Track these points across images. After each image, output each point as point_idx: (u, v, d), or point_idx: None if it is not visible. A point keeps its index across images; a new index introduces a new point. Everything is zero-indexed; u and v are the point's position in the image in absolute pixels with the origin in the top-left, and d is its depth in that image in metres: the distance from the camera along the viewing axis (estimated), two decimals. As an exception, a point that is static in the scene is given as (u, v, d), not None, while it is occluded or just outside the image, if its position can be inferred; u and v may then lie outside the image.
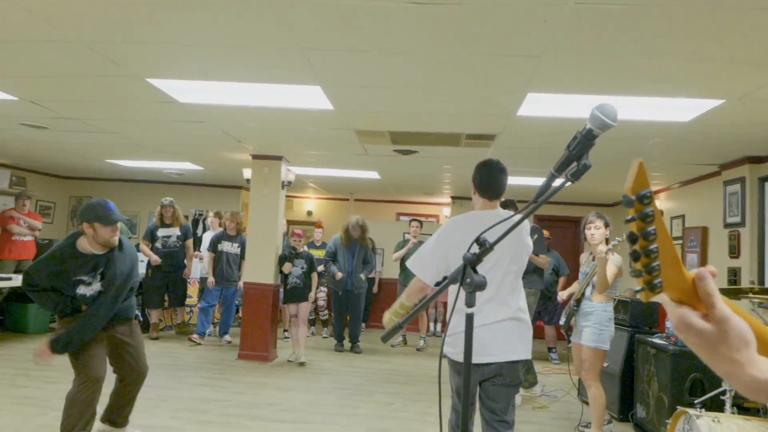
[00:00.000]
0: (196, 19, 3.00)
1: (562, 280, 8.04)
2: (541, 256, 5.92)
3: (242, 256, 7.72)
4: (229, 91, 4.30)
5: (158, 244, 7.94)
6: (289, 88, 4.16)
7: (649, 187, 0.76)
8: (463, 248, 1.40)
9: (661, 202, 8.12)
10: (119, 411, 3.80)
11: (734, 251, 5.87)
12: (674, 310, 0.78)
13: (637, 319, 5.20)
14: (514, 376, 2.70)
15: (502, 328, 2.68)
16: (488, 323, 2.66)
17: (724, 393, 3.53)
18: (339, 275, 7.75)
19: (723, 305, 0.75)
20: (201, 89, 4.30)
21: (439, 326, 9.75)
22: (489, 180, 2.87)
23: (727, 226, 6.04)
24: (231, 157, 7.45)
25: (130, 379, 3.73)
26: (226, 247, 7.80)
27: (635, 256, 0.78)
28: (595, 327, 4.25)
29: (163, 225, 8.01)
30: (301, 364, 6.91)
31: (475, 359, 2.58)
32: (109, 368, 3.62)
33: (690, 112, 4.25)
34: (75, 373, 3.44)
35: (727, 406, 3.45)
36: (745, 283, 5.54)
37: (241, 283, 7.62)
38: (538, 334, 9.10)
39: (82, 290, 3.44)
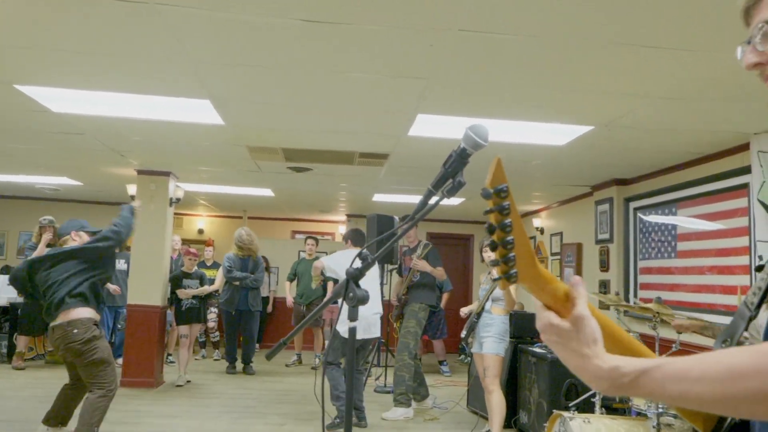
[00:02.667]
0: (74, 23, 2.83)
1: (445, 296, 8.28)
2: (438, 268, 6.13)
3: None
4: (112, 101, 4.08)
5: None
6: (177, 101, 4.02)
7: (506, 183, 0.83)
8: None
9: (542, 221, 8.66)
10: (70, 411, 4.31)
11: (604, 265, 6.37)
12: (542, 314, 0.86)
13: (521, 330, 5.49)
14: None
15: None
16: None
17: (594, 396, 3.80)
18: (251, 276, 7.59)
19: (584, 306, 0.84)
20: (79, 98, 4.04)
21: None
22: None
23: (598, 242, 6.55)
24: (114, 172, 7.03)
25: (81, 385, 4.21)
26: (120, 264, 7.31)
27: (493, 246, 0.84)
28: (496, 337, 4.65)
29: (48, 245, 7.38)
30: (188, 382, 6.76)
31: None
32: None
33: (565, 137, 4.59)
34: (98, 384, 3.97)
35: (597, 407, 3.72)
36: (612, 294, 6.02)
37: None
38: (427, 348, 9.34)
39: None
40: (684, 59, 2.96)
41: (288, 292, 8.49)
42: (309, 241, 8.56)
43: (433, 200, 1.17)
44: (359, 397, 5.41)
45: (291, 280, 8.52)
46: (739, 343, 0.95)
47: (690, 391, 0.73)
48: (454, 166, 1.15)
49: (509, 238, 0.83)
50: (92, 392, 3.98)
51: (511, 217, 0.83)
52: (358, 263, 1.28)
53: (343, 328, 5.14)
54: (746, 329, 1.09)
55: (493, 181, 0.83)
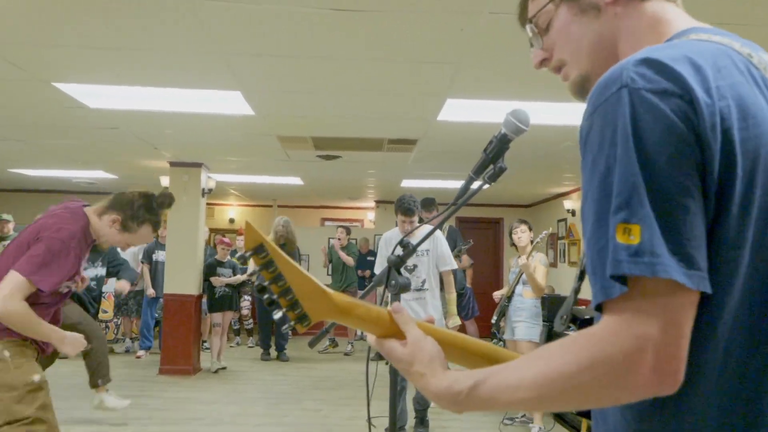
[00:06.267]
0: (108, 21, 2.88)
1: (469, 273, 8.13)
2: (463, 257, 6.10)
3: None
4: (145, 96, 4.15)
5: None
6: (207, 93, 4.07)
7: (261, 241, 0.84)
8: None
9: (573, 203, 8.55)
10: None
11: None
12: (381, 346, 0.89)
13: (554, 313, 5.45)
14: None
15: None
16: None
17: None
18: None
19: (414, 331, 0.87)
20: (114, 94, 4.12)
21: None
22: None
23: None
24: (147, 164, 7.17)
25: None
26: (161, 256, 7.49)
27: (270, 303, 0.86)
28: (528, 321, 4.64)
29: None
30: (223, 368, 6.93)
31: None
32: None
33: (597, 117, 4.50)
34: (91, 335, 4.05)
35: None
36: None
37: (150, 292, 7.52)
38: (461, 331, 9.32)
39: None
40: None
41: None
42: (339, 230, 8.54)
43: (475, 186, 1.17)
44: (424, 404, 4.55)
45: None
46: (573, 316, 0.95)
47: (514, 397, 0.74)
48: (495, 151, 1.15)
49: (285, 288, 0.85)
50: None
51: (279, 269, 0.85)
52: (399, 250, 1.29)
53: None
54: (575, 303, 1.09)
55: (248, 244, 0.85)
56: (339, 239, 8.42)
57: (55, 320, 2.50)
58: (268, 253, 0.85)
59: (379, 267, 4.43)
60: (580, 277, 1.00)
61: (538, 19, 0.91)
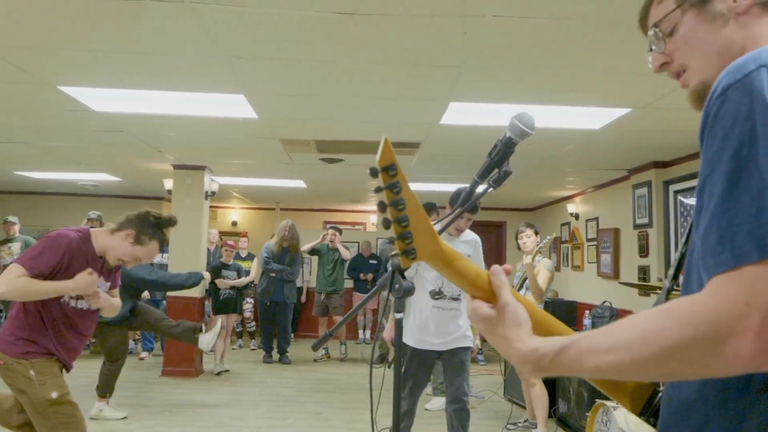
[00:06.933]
0: (113, 26, 2.89)
1: None
2: None
3: None
4: (149, 99, 4.16)
5: None
6: (211, 96, 4.08)
7: (394, 161, 0.84)
8: None
9: (576, 206, 8.53)
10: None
11: (643, 251, 6.25)
12: (471, 304, 0.92)
13: (557, 317, 5.43)
14: None
15: None
16: None
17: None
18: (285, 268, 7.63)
19: (508, 295, 0.89)
20: (118, 97, 4.13)
21: (368, 333, 9.76)
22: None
23: (636, 227, 6.43)
24: (151, 167, 7.18)
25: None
26: (165, 258, 7.49)
27: (386, 224, 0.85)
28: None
29: None
30: (226, 371, 6.91)
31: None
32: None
33: (600, 120, 4.50)
34: (123, 354, 5.01)
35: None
36: (653, 280, 5.91)
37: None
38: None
39: None
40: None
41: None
42: (331, 231, 8.30)
43: (480, 189, 1.17)
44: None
45: (310, 253, 8.36)
46: None
47: (603, 361, 0.74)
48: (500, 155, 1.14)
49: (403, 215, 0.83)
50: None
51: (403, 194, 0.84)
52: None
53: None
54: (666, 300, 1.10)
55: (381, 159, 0.84)
56: (331, 241, 8.26)
57: (81, 335, 2.91)
58: (397, 173, 0.84)
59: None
60: (674, 276, 1.01)
61: (662, 24, 0.94)
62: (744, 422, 0.73)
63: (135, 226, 2.83)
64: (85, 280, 2.70)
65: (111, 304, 2.90)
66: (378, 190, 0.86)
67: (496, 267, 0.91)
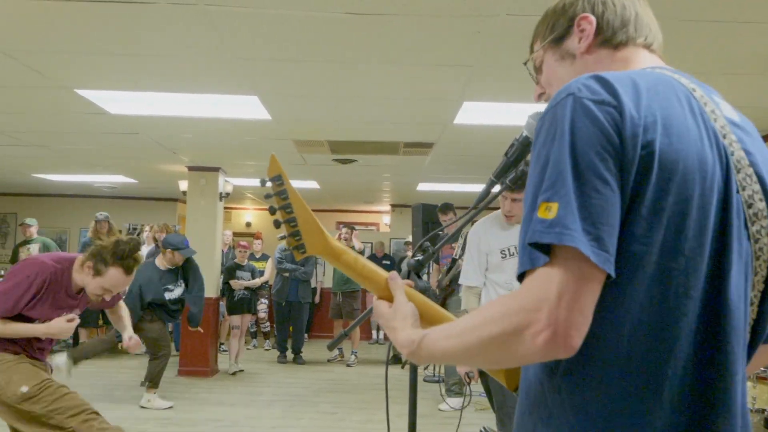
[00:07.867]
0: (128, 29, 2.92)
1: None
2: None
3: None
4: (164, 101, 4.20)
5: None
6: (225, 98, 4.10)
7: (281, 173, 1.03)
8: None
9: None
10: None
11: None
12: (374, 301, 1.08)
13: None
14: None
15: None
16: None
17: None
18: (300, 268, 7.64)
19: (402, 296, 1.04)
20: (134, 99, 4.17)
21: (382, 333, 9.76)
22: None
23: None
24: (166, 168, 7.24)
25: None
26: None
27: (277, 225, 1.03)
28: None
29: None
30: (241, 371, 6.95)
31: None
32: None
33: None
34: (165, 349, 5.40)
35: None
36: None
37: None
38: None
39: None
40: (743, 32, 2.84)
41: None
42: (344, 230, 8.27)
43: (496, 189, 1.17)
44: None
45: None
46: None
47: (446, 347, 0.85)
48: (517, 154, 1.14)
49: (291, 217, 1.01)
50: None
51: (290, 200, 1.02)
52: (419, 255, 1.28)
53: None
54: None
55: (270, 172, 1.02)
56: (345, 239, 8.18)
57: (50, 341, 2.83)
58: (283, 183, 1.02)
59: (471, 268, 3.23)
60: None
61: (534, 61, 1.12)
62: (563, 397, 0.82)
63: (92, 257, 2.70)
64: (59, 326, 2.61)
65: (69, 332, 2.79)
66: (268, 196, 1.03)
67: (393, 273, 1.06)
